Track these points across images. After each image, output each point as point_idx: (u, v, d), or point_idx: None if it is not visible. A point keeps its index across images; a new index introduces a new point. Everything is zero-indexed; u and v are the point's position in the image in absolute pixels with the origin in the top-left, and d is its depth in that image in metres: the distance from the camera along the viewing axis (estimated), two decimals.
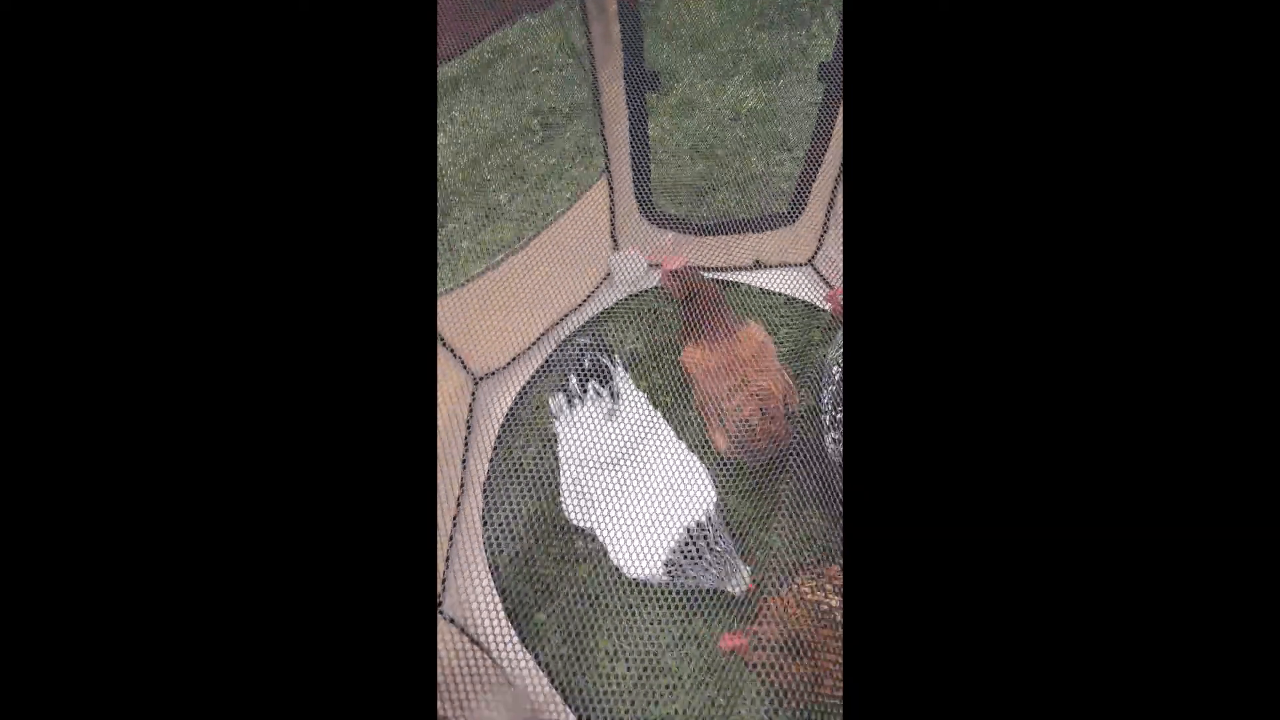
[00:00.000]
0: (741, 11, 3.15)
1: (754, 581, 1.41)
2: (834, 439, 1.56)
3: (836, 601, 1.24)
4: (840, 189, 2.03)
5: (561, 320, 1.96)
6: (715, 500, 1.43)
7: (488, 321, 1.72)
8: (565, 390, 1.56)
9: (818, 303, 2.10)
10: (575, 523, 1.52)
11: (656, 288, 2.08)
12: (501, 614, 1.52)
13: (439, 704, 1.14)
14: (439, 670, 1.21)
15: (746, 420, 1.57)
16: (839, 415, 1.51)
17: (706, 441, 1.70)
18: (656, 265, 1.89)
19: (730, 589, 1.38)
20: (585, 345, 1.61)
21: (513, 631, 1.49)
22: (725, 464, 1.67)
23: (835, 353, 1.66)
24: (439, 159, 2.45)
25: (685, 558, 1.36)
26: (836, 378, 1.58)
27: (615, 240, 2.06)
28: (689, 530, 1.37)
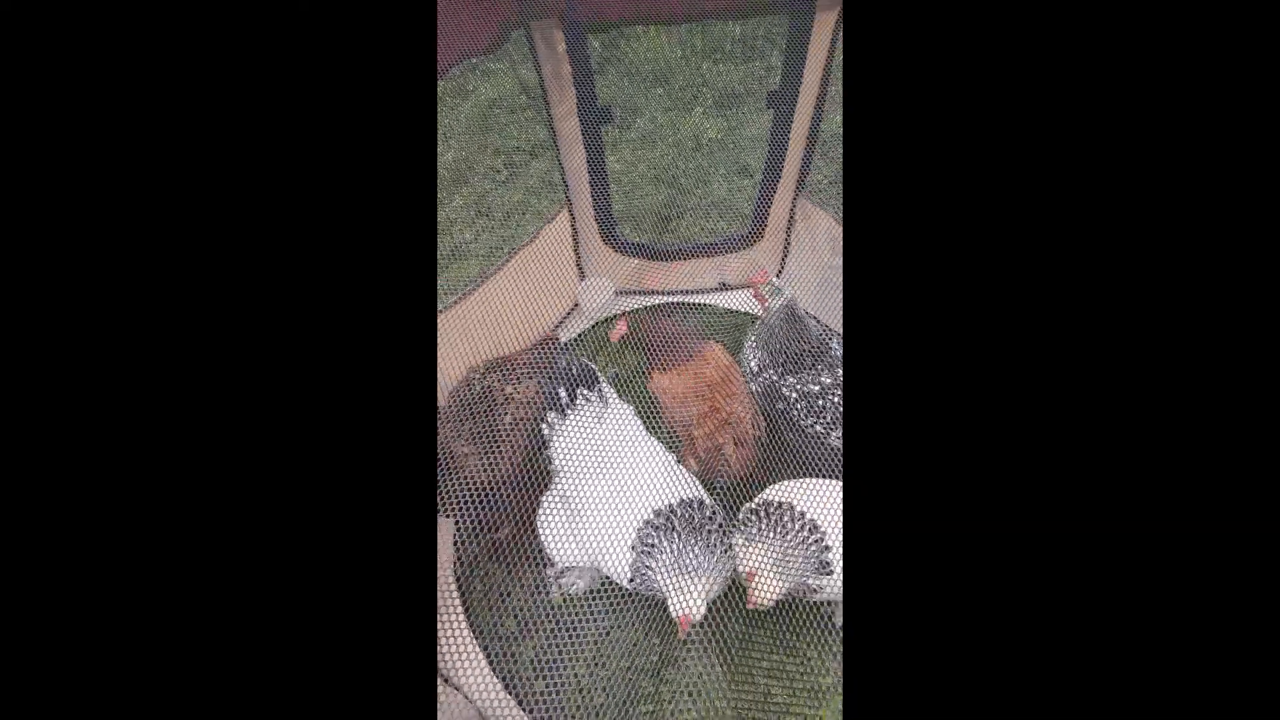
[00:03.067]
0: (700, 46, 3.27)
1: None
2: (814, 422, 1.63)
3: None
4: (799, 210, 2.08)
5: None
6: (701, 497, 1.41)
7: (454, 356, 1.73)
8: (557, 405, 1.55)
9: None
10: (552, 552, 1.49)
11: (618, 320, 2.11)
12: (480, 656, 1.49)
13: None
14: None
15: (720, 449, 1.59)
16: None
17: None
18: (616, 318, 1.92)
19: (736, 558, 1.32)
20: (570, 358, 1.62)
21: (490, 672, 1.47)
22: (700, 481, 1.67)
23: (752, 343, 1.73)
24: None
25: (657, 529, 1.32)
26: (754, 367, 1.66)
27: (581, 270, 2.10)
28: (659, 510, 1.35)
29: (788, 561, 1.34)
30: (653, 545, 1.31)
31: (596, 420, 1.53)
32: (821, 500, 1.38)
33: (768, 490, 1.47)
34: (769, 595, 1.32)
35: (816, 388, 1.64)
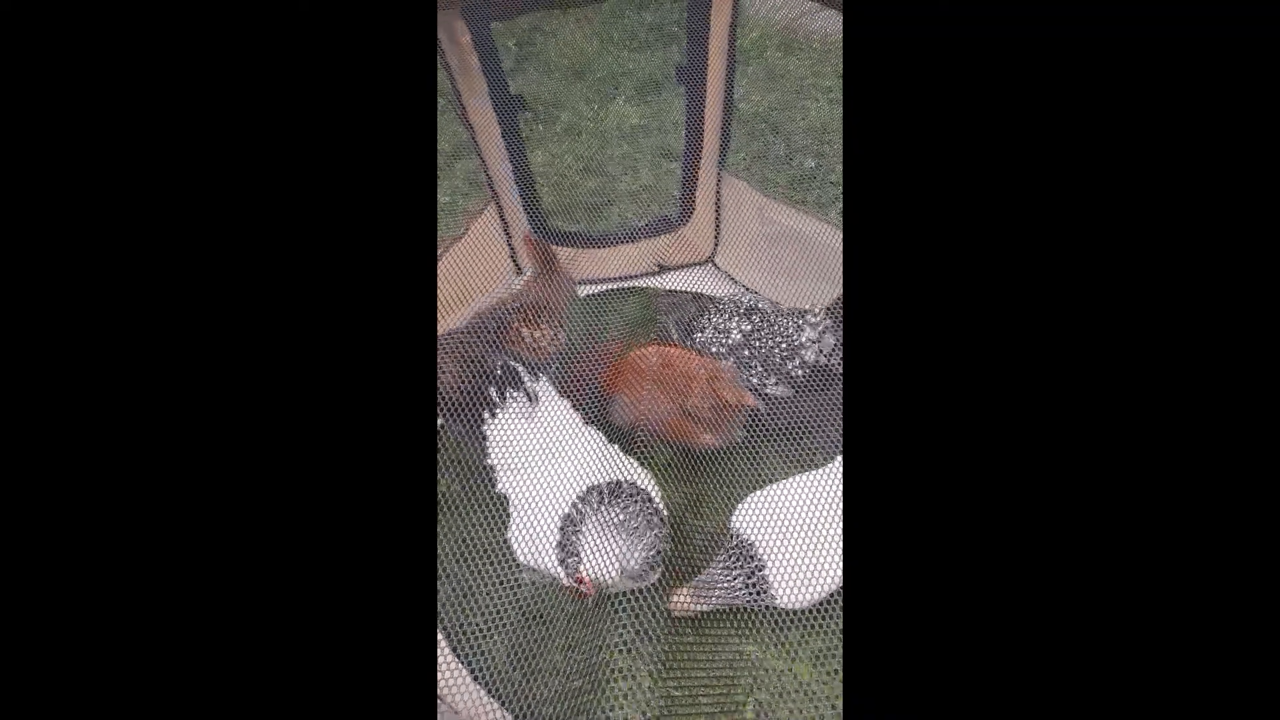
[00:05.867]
0: (616, 38, 3.29)
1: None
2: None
3: None
4: (724, 185, 2.13)
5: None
6: (633, 480, 1.43)
7: None
8: (489, 405, 1.55)
9: (724, 296, 2.18)
10: (515, 546, 1.49)
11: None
12: (446, 652, 1.48)
13: None
14: None
15: (723, 401, 1.60)
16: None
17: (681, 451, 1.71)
18: None
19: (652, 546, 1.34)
20: (499, 359, 1.62)
21: (461, 667, 1.45)
22: (706, 456, 1.69)
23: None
24: None
25: (580, 509, 1.33)
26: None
27: (517, 265, 2.09)
28: (582, 495, 1.36)
29: (713, 586, 1.40)
30: (576, 526, 1.32)
31: (526, 419, 1.54)
32: (772, 536, 1.41)
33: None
34: (683, 607, 1.41)
35: (739, 335, 1.68)
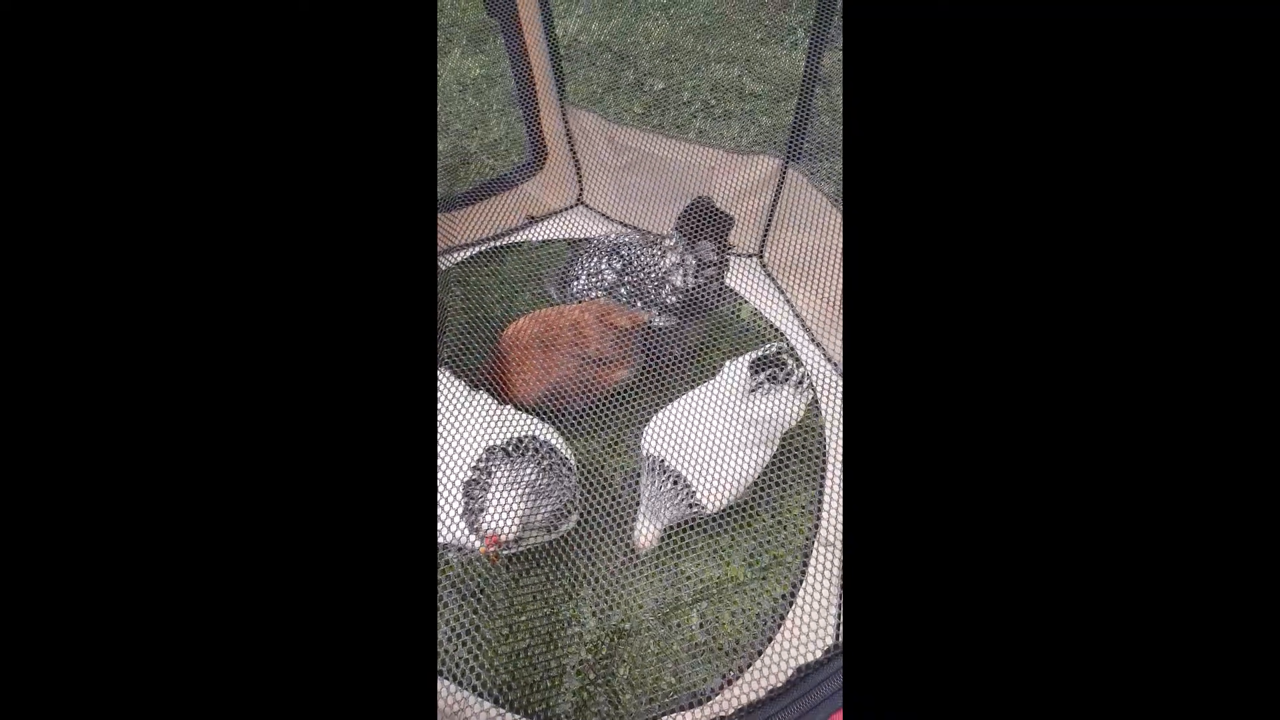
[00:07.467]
0: None
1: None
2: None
3: None
4: (571, 121, 2.05)
5: None
6: (533, 433, 1.42)
7: None
8: None
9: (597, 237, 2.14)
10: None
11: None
12: None
13: None
14: None
15: (616, 327, 1.60)
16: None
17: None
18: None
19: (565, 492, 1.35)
20: None
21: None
22: (616, 398, 1.68)
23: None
24: None
25: (480, 473, 1.32)
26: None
27: None
28: (480, 457, 1.34)
29: (657, 507, 1.44)
30: (479, 491, 1.29)
31: None
32: (681, 449, 1.45)
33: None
34: (648, 540, 1.46)
35: (612, 275, 1.67)
